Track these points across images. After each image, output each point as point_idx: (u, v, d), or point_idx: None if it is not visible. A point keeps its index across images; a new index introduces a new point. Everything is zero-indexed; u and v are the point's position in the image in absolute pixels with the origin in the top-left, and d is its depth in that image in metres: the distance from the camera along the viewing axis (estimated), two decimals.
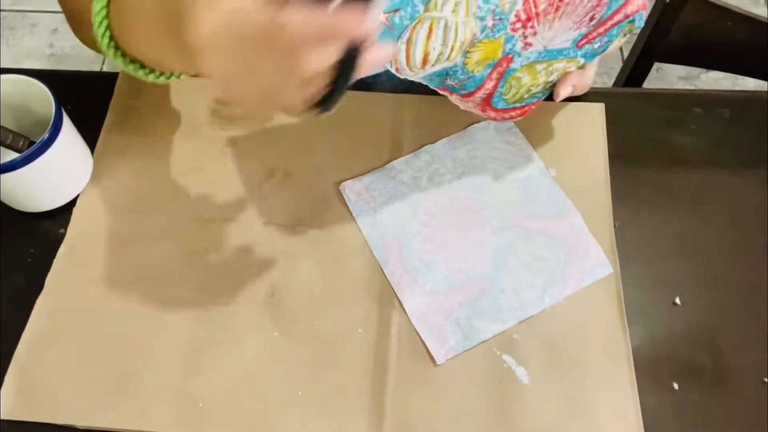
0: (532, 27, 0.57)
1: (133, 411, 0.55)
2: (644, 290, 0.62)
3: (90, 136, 0.67)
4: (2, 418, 0.54)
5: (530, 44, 0.59)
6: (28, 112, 0.62)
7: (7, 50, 1.79)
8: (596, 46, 0.61)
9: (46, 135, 0.58)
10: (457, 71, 0.60)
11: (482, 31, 0.56)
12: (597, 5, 0.58)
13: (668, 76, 1.73)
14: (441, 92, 0.63)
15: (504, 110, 0.64)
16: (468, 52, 0.58)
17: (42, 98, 0.60)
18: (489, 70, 0.60)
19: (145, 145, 0.68)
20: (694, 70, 1.75)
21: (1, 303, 0.60)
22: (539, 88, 0.64)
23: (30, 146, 0.58)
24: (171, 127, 0.69)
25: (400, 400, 0.56)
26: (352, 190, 0.64)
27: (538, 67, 0.61)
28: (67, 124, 0.61)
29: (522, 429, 0.55)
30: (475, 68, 0.60)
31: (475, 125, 0.68)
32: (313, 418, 0.55)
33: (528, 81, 0.62)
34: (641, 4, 0.59)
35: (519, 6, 0.56)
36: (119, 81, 0.72)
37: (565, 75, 0.63)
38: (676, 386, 0.57)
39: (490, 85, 0.61)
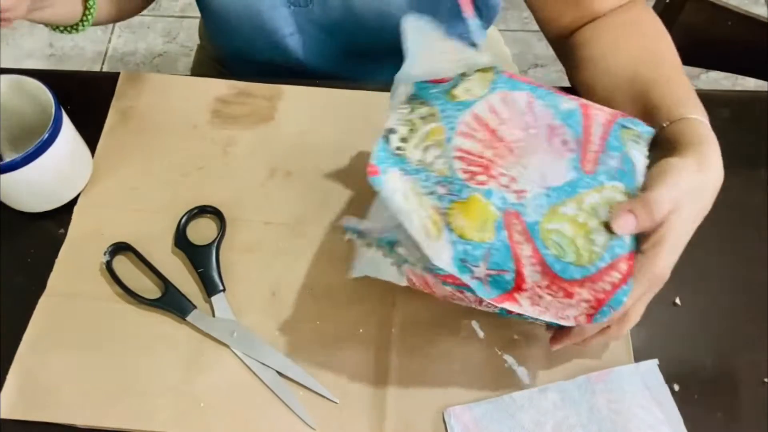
0: (496, 176, 0.50)
1: (134, 410, 0.55)
2: None
3: (90, 136, 0.67)
4: (4, 417, 0.54)
5: (523, 191, 0.49)
6: (28, 113, 0.62)
7: (7, 50, 1.79)
8: (612, 162, 0.50)
9: (46, 135, 0.58)
10: (467, 252, 0.48)
11: (440, 200, 0.50)
12: (554, 128, 0.51)
13: None
14: (509, 312, 0.50)
15: (592, 278, 0.48)
16: (449, 224, 0.49)
17: (42, 98, 0.60)
18: (504, 234, 0.48)
19: (145, 145, 0.68)
20: (694, 70, 1.74)
21: (1, 303, 0.60)
22: (604, 237, 0.48)
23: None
24: (171, 127, 0.69)
25: (401, 399, 0.56)
26: (458, 420, 0.55)
27: (565, 210, 0.49)
28: (67, 123, 0.61)
29: None
30: (480, 235, 0.48)
31: (622, 368, 0.57)
32: (314, 418, 0.55)
33: (572, 230, 0.48)
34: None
35: (456, 165, 0.50)
36: (120, 81, 0.72)
37: (617, 206, 0.49)
38: (676, 387, 0.57)
39: (527, 251, 0.48)
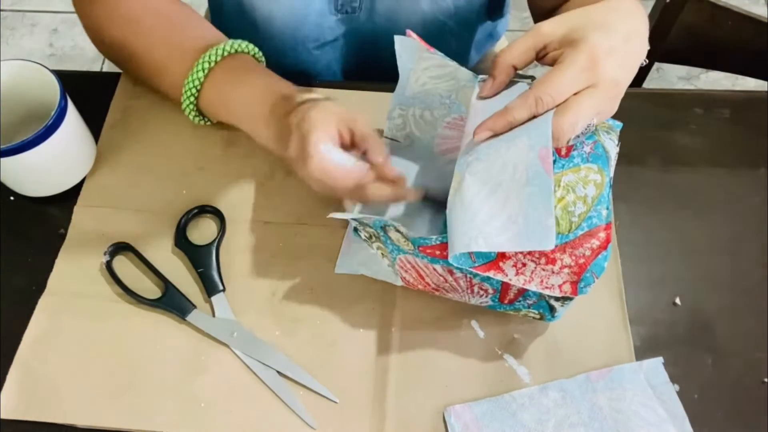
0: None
1: (134, 411, 0.55)
2: (644, 290, 0.62)
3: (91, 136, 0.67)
4: (4, 417, 0.54)
5: None
6: (32, 99, 0.62)
7: (8, 50, 1.79)
8: (586, 148, 0.53)
9: (51, 121, 0.58)
10: None
11: None
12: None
13: (668, 76, 1.73)
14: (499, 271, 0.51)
15: (572, 244, 0.51)
16: None
17: (46, 84, 0.60)
18: None
19: (146, 145, 0.68)
20: (694, 70, 1.75)
21: (1, 303, 0.60)
22: (581, 209, 0.51)
23: None
24: (172, 126, 0.69)
25: (401, 399, 0.56)
26: (459, 418, 0.55)
27: None
28: (71, 108, 0.61)
29: None
30: None
31: (623, 366, 0.57)
32: (315, 418, 0.55)
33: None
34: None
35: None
36: (121, 81, 0.72)
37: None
38: (676, 387, 0.57)
39: None
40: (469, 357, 0.58)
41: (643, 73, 1.01)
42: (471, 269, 0.50)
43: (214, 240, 0.62)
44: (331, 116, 0.55)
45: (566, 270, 0.50)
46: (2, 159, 0.58)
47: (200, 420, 0.55)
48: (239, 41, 0.64)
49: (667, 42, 0.94)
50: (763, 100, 0.73)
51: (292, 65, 0.78)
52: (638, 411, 0.55)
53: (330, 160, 0.54)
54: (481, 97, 0.54)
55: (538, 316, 0.57)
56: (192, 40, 0.64)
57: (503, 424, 0.55)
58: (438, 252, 0.51)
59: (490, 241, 0.47)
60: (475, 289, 0.55)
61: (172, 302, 0.59)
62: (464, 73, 0.59)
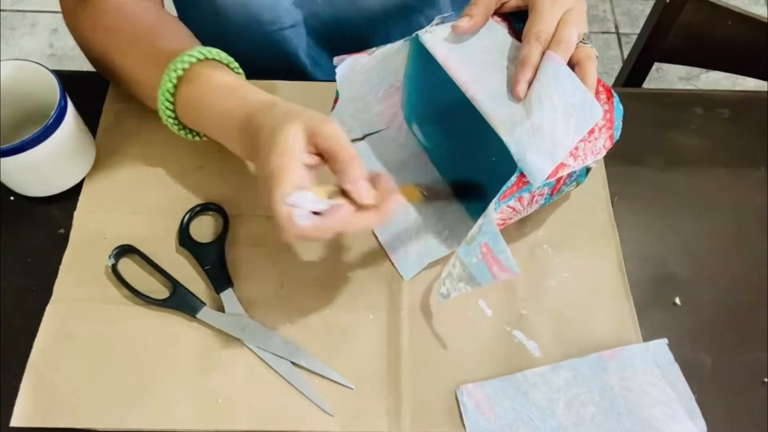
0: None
1: (153, 411, 0.55)
2: (644, 290, 0.62)
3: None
4: (22, 425, 0.54)
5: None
6: (32, 99, 0.62)
7: (7, 50, 1.79)
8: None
9: (50, 121, 0.58)
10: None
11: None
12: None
13: (668, 76, 1.74)
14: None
15: None
16: None
17: (46, 84, 0.60)
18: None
19: (141, 146, 0.68)
20: (694, 70, 1.75)
21: (1, 303, 0.60)
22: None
23: None
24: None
25: (415, 380, 0.56)
26: (471, 397, 0.55)
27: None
28: (71, 108, 0.61)
29: None
30: None
31: (633, 346, 0.58)
32: (332, 405, 0.55)
33: None
34: None
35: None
36: (111, 85, 0.71)
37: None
38: None
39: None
40: (479, 336, 0.59)
41: (643, 73, 1.01)
42: (547, 180, 0.54)
43: (219, 237, 0.62)
44: (292, 158, 0.49)
45: (603, 129, 0.56)
46: (2, 159, 0.58)
47: (219, 415, 0.55)
48: (208, 49, 0.60)
49: (667, 42, 0.94)
50: (763, 100, 0.73)
51: (256, 53, 0.77)
52: (648, 390, 0.56)
53: (300, 227, 0.48)
54: (459, 32, 0.57)
55: (574, 187, 0.63)
56: (167, 51, 0.60)
57: (514, 402, 0.55)
58: (515, 188, 0.54)
59: (564, 145, 0.53)
60: (535, 197, 0.58)
61: (182, 301, 0.59)
62: (391, 48, 0.59)
